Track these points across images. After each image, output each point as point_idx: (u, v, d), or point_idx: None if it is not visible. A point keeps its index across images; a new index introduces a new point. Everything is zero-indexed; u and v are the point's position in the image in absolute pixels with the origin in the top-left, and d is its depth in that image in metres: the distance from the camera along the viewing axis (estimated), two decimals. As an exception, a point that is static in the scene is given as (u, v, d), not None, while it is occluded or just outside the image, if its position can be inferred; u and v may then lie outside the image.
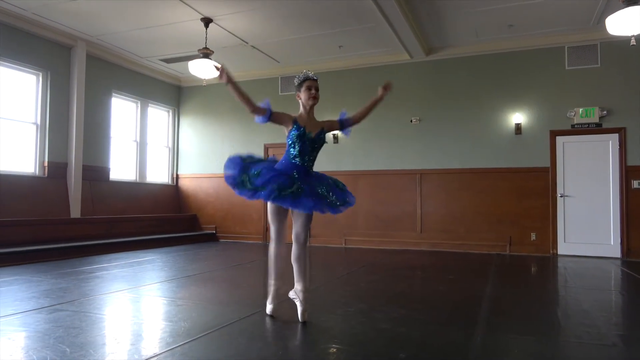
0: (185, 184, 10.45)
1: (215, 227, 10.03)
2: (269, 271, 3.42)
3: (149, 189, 9.75)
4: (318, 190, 3.17)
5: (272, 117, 3.25)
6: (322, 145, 3.39)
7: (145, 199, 9.59)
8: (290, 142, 3.31)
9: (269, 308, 3.40)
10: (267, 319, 3.34)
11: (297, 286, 3.29)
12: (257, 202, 9.54)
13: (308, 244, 3.46)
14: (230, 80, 3.18)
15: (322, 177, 3.32)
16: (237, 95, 3.22)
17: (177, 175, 10.51)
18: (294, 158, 3.29)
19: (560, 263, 6.72)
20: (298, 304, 3.27)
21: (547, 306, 4.01)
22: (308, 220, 3.32)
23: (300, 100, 3.38)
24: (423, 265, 6.58)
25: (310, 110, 3.37)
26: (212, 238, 9.91)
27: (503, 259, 7.08)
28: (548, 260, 7.00)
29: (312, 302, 3.61)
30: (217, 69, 3.19)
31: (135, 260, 6.59)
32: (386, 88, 3.46)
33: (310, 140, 3.28)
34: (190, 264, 6.35)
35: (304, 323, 3.20)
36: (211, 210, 10.12)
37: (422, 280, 5.56)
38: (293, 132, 3.28)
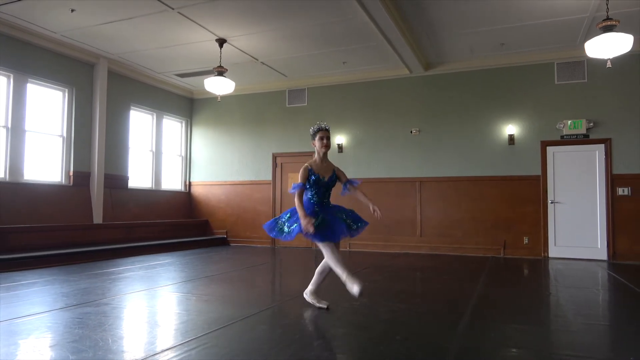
0: (197, 190, 11.03)
1: (226, 232, 10.59)
2: (336, 271, 3.69)
3: (163, 195, 10.33)
4: (339, 216, 3.79)
5: (305, 185, 3.80)
6: (334, 185, 3.98)
7: (160, 205, 10.17)
8: (309, 186, 3.85)
9: (356, 289, 3.44)
10: (284, 311, 3.89)
11: (311, 287, 3.93)
12: (266, 209, 10.12)
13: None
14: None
15: (340, 207, 3.93)
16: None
17: (189, 182, 11.09)
18: (312, 198, 3.85)
19: (550, 265, 7.24)
20: (314, 300, 3.90)
21: (528, 301, 4.54)
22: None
23: (315, 147, 3.95)
24: (422, 267, 7.11)
25: (323, 156, 3.95)
26: (223, 242, 10.47)
27: (497, 261, 7.60)
28: (539, 263, 7.51)
29: (321, 297, 4.14)
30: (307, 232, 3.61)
31: (156, 262, 7.14)
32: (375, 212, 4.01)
33: (324, 184, 3.87)
34: (206, 266, 6.90)
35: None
36: (222, 215, 10.68)
37: (420, 280, 6.10)
38: (311, 179, 3.83)
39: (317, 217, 3.71)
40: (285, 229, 3.76)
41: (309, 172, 3.84)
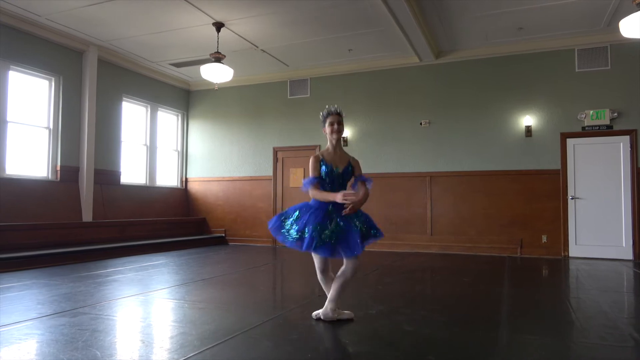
0: (194, 187, 10.49)
1: (225, 230, 10.06)
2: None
3: (158, 192, 9.79)
4: (354, 223, 3.18)
5: (318, 178, 3.29)
6: (350, 178, 3.41)
7: (155, 202, 9.63)
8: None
9: (316, 312, 3.44)
10: (291, 322, 3.36)
11: (330, 305, 3.32)
12: (267, 206, 9.61)
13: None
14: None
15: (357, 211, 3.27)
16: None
17: (186, 178, 10.55)
18: None
19: (573, 265, 6.72)
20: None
21: (565, 307, 4.02)
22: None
23: (326, 135, 3.42)
24: (436, 267, 6.59)
25: (336, 144, 3.41)
26: (221, 241, 9.94)
27: (515, 262, 7.08)
28: (560, 263, 7.00)
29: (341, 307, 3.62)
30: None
31: (149, 263, 6.62)
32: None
33: (338, 175, 3.33)
34: (203, 267, 6.37)
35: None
36: (220, 213, 10.15)
37: (437, 282, 5.57)
38: (322, 170, 3.30)
39: (331, 221, 3.15)
40: (293, 232, 3.16)
41: (320, 163, 3.32)
